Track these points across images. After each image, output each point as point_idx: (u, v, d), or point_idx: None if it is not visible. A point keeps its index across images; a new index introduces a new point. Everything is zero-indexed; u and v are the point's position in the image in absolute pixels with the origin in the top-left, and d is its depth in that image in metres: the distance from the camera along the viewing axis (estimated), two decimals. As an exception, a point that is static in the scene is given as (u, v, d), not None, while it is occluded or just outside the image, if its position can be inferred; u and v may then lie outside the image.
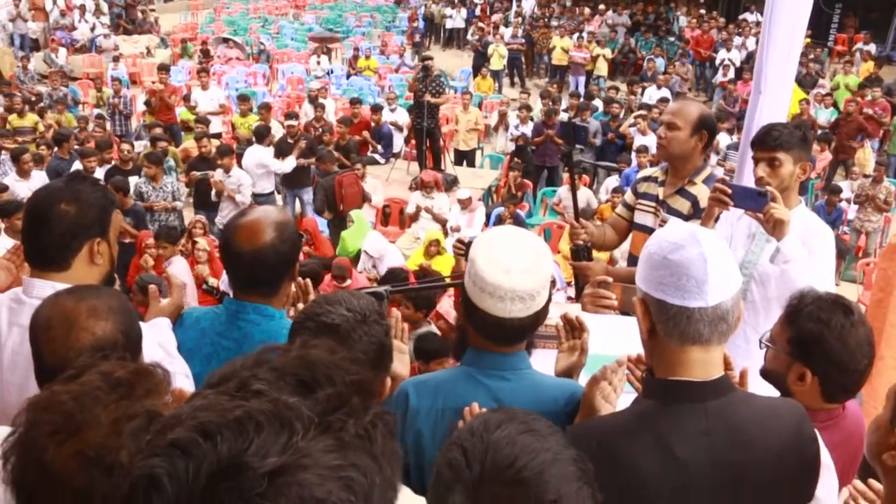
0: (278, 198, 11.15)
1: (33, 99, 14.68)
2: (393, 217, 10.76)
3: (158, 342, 2.20)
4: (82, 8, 23.76)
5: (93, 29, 22.64)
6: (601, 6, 24.18)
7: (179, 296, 2.44)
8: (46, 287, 2.02)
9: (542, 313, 1.96)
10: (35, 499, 1.22)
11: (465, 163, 13.24)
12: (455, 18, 25.53)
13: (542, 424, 1.35)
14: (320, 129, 11.94)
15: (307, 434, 0.77)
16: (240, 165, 9.96)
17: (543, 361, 2.44)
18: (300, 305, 2.50)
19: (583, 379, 2.39)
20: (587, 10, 24.40)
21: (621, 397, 2.01)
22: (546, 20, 23.27)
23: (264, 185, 10.28)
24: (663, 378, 1.70)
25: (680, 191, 3.70)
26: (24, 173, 9.35)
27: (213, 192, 9.59)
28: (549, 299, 1.98)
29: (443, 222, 9.83)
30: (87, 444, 1.19)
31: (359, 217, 9.11)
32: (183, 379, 2.16)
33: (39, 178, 9.50)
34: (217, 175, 9.57)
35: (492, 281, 1.86)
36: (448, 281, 3.93)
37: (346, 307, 1.71)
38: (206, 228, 8.55)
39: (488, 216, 10.21)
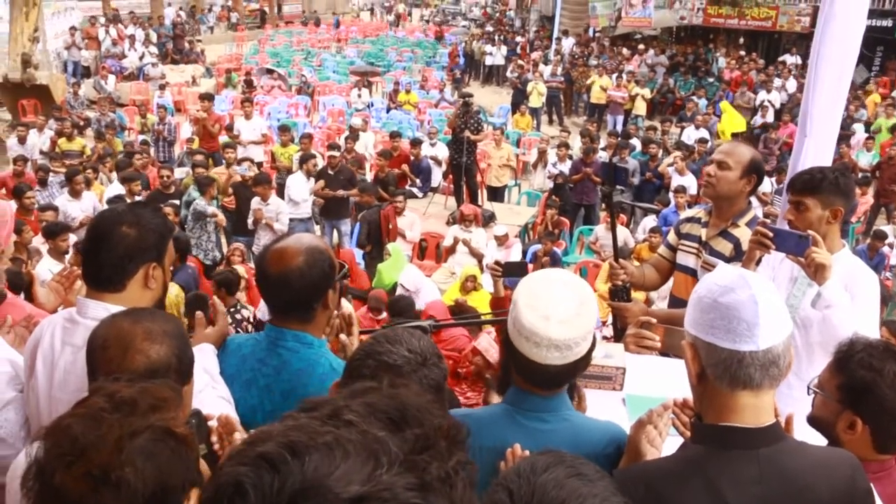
0: (316, 228, 11.27)
1: (82, 124, 15.03)
2: (429, 251, 10.78)
3: (204, 367, 2.24)
4: (133, 38, 24.43)
5: (142, 58, 23.23)
6: (641, 46, 24.30)
7: (224, 323, 2.47)
8: (100, 308, 2.07)
9: (583, 362, 1.94)
10: None
11: (495, 199, 13.26)
12: (495, 55, 25.79)
13: (590, 469, 1.35)
14: (349, 160, 12.05)
15: (391, 469, 0.79)
16: (279, 194, 10.10)
17: (590, 401, 2.44)
18: (343, 336, 2.51)
19: (626, 422, 2.38)
20: (626, 50, 24.49)
21: (666, 441, 2.00)
22: (585, 59, 23.41)
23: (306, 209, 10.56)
24: (713, 423, 1.69)
25: (723, 233, 3.68)
26: (75, 194, 9.61)
27: (251, 220, 9.72)
28: (593, 346, 1.98)
29: (479, 257, 9.83)
30: (92, 465, 1.22)
31: (395, 250, 9.15)
32: (225, 404, 2.19)
33: (90, 199, 9.73)
34: (254, 203, 9.71)
35: (529, 326, 1.86)
36: (490, 318, 3.92)
37: (408, 348, 1.71)
38: (244, 256, 8.65)
39: (524, 253, 10.20)
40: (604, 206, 12.04)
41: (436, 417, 0.88)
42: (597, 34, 27.19)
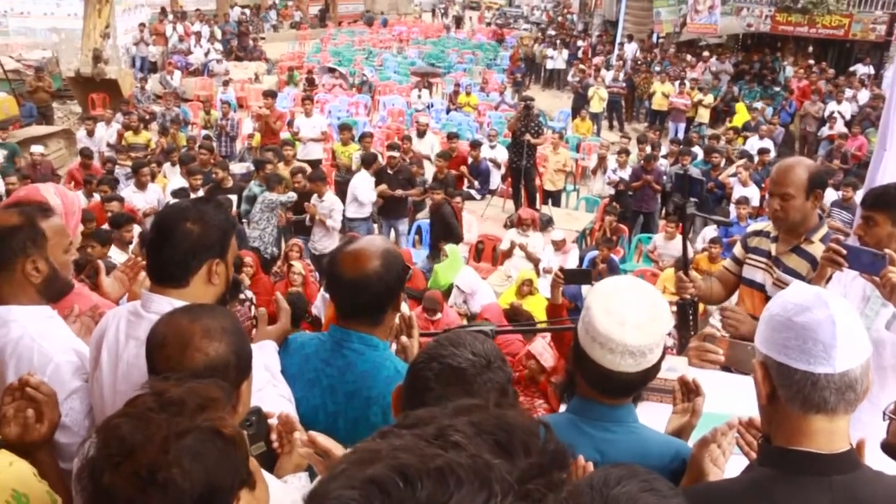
0: (374, 227, 11.34)
1: (147, 118, 15.36)
2: (486, 253, 10.76)
3: (265, 364, 2.24)
4: (198, 35, 24.90)
5: (207, 54, 23.64)
6: (705, 53, 23.89)
7: (287, 320, 2.48)
8: (164, 303, 2.08)
9: (653, 370, 1.91)
10: None
11: (549, 203, 13.17)
12: (556, 59, 25.63)
13: (664, 484, 1.31)
14: (407, 161, 12.08)
15: (505, 499, 0.75)
16: (336, 192, 10.18)
17: (652, 414, 2.39)
18: (404, 339, 2.51)
19: (691, 439, 2.33)
20: (690, 57, 24.12)
21: (729, 460, 1.95)
22: (648, 65, 23.12)
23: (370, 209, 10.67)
24: (783, 447, 1.63)
25: (796, 249, 3.56)
26: (141, 185, 9.84)
27: (307, 217, 9.81)
28: (663, 356, 1.94)
29: (536, 262, 9.77)
30: (139, 465, 1.22)
31: (453, 251, 9.14)
32: (286, 402, 2.19)
33: (155, 191, 9.95)
34: (312, 200, 9.81)
35: (603, 331, 1.83)
36: (550, 325, 3.86)
37: (472, 351, 1.68)
38: (301, 252, 8.73)
39: (582, 259, 10.11)
40: (677, 217, 11.88)
41: (546, 442, 0.84)
42: (661, 40, 26.82)
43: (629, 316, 1.84)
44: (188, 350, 1.67)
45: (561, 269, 4.06)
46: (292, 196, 9.61)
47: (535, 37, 30.51)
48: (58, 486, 2.00)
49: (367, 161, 10.75)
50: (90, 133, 14.00)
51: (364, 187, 10.47)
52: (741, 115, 18.03)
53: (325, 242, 9.76)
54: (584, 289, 8.48)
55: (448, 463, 0.76)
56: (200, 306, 1.83)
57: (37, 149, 12.35)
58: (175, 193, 9.21)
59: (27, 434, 2.02)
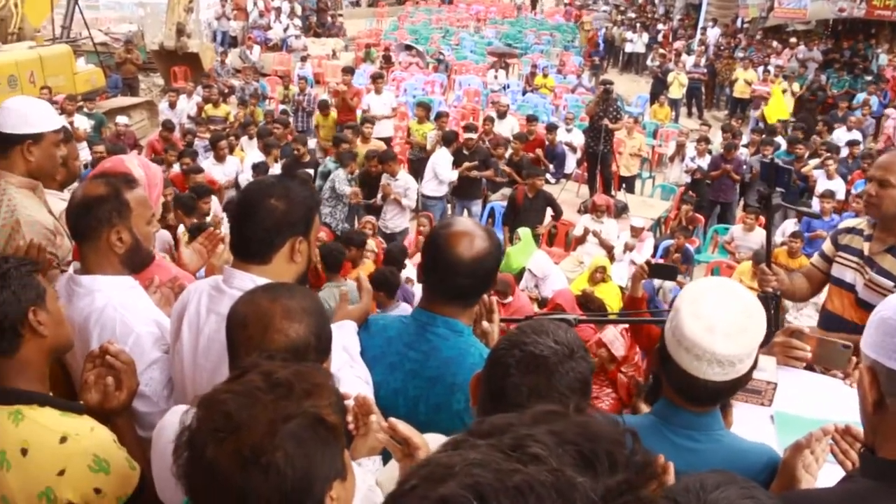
0: (448, 207, 11.31)
1: (227, 91, 15.61)
2: (559, 238, 10.63)
3: (343, 346, 2.22)
4: (278, 10, 25.19)
5: (286, 30, 23.92)
6: (792, 39, 23.10)
7: (369, 300, 2.45)
8: (246, 279, 2.07)
9: (743, 380, 1.82)
10: (199, 495, 1.24)
11: (623, 188, 12.94)
12: (636, 43, 25.14)
13: (762, 493, 1.25)
14: (486, 142, 11.98)
15: None
16: (409, 170, 10.17)
17: (739, 416, 2.30)
18: (485, 324, 2.46)
19: (774, 440, 2.23)
20: (776, 43, 23.36)
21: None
22: (731, 50, 22.49)
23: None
24: (888, 459, 1.53)
25: (892, 249, 3.37)
26: (220, 158, 10.00)
27: (379, 196, 9.82)
28: (755, 365, 1.84)
29: (609, 249, 9.62)
30: (244, 444, 1.19)
31: (526, 234, 9.05)
32: (363, 385, 2.16)
33: (233, 164, 10.10)
34: (383, 178, 9.82)
35: (691, 336, 1.75)
36: (630, 317, 3.76)
37: (555, 339, 1.62)
38: (375, 230, 8.76)
39: (656, 248, 9.92)
40: (741, 205, 11.56)
41: (633, 452, 0.78)
42: (745, 25, 26.06)
43: (720, 322, 1.76)
44: (269, 331, 1.65)
45: (647, 263, 3.96)
46: (355, 190, 9.64)
47: (615, 19, 29.96)
48: (135, 454, 2.02)
49: (448, 139, 10.71)
50: (172, 105, 14.31)
51: (444, 165, 10.44)
52: (777, 104, 17.24)
53: (397, 221, 9.78)
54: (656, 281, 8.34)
55: (527, 480, 0.71)
56: (281, 286, 1.81)
57: (121, 119, 12.69)
58: (255, 167, 9.32)
59: (107, 401, 2.05)
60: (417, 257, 8.76)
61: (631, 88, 21.91)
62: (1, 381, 1.93)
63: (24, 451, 1.85)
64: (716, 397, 1.85)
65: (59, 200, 3.19)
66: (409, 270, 8.06)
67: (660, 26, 27.37)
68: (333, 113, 13.04)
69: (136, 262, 2.38)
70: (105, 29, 20.38)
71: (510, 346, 1.64)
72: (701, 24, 25.65)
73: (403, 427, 1.57)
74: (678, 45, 23.62)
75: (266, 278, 2.04)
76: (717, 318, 1.75)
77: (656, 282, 8.72)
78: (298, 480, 1.20)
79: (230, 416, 1.21)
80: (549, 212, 10.43)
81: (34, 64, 13.80)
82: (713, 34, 24.69)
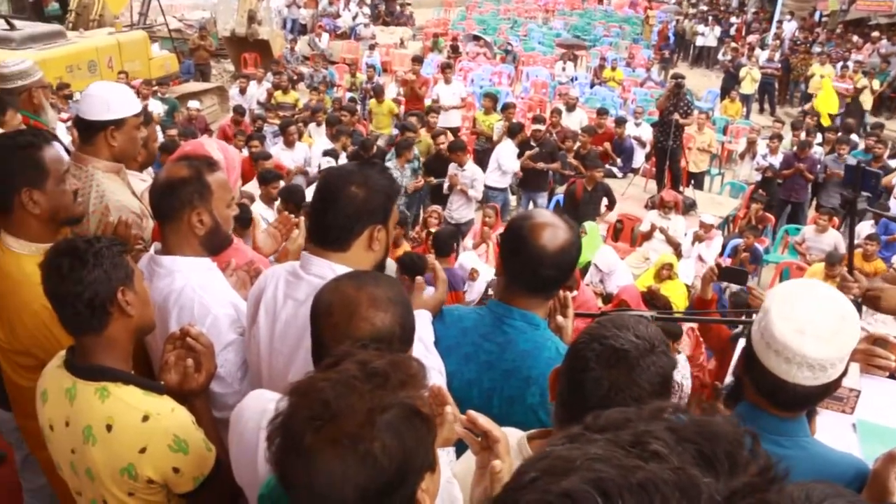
0: (512, 199, 11.26)
1: (296, 78, 15.79)
2: (624, 233, 10.50)
3: (418, 335, 2.21)
4: (348, -2, 25.40)
5: (355, 18, 24.10)
6: (874, 33, 22.32)
7: (444, 290, 2.44)
8: (324, 266, 2.08)
9: (834, 385, 1.76)
10: (293, 481, 1.24)
11: (691, 184, 12.72)
12: (707, 36, 24.65)
13: None
14: (553, 135, 11.88)
15: None
16: (475, 161, 10.14)
17: (819, 422, 2.23)
18: (559, 318, 2.43)
19: (856, 449, 2.16)
20: (856, 38, 22.61)
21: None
22: (808, 45, 21.86)
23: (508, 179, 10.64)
24: None
25: None
26: (289, 144, 10.11)
27: (446, 185, 9.82)
28: (846, 371, 1.77)
29: (676, 246, 9.46)
30: (342, 433, 1.19)
31: (592, 229, 8.95)
32: (437, 375, 2.15)
33: (301, 150, 10.21)
34: (451, 169, 9.81)
35: (781, 339, 1.70)
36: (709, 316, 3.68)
37: (635, 333, 1.59)
38: (440, 219, 8.76)
39: (724, 247, 9.72)
40: (813, 205, 11.22)
41: (754, 454, 0.74)
42: (824, 18, 25.28)
43: (811, 325, 1.70)
44: (354, 319, 1.64)
45: (717, 265, 3.89)
46: (415, 184, 9.63)
47: (686, 12, 29.41)
48: (211, 435, 2.05)
49: (514, 131, 10.66)
50: (242, 91, 14.54)
51: (509, 156, 10.41)
52: (827, 96, 16.63)
53: (463, 212, 9.77)
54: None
55: (650, 478, 0.68)
56: (366, 274, 1.81)
57: (193, 104, 12.94)
58: (326, 154, 9.39)
59: (186, 382, 2.09)
60: (482, 248, 8.79)
61: (701, 83, 21.46)
62: (88, 357, 1.98)
63: (108, 428, 1.90)
64: (804, 402, 1.80)
65: (139, 181, 3.27)
66: (473, 260, 8.05)
67: (733, 19, 26.81)
68: (388, 101, 13.01)
69: (216, 244, 2.41)
70: (179, 16, 20.81)
71: (590, 340, 1.61)
72: (777, 18, 24.97)
73: (483, 420, 1.55)
74: (752, 38, 23.10)
75: (344, 265, 2.05)
76: (809, 320, 1.70)
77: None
78: (394, 471, 1.19)
79: (328, 403, 1.21)
80: (604, 201, 10.33)
81: (113, 49, 14.16)
82: (789, 28, 24.04)
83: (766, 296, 1.79)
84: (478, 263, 8.00)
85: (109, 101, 2.99)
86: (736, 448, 0.73)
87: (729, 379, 2.20)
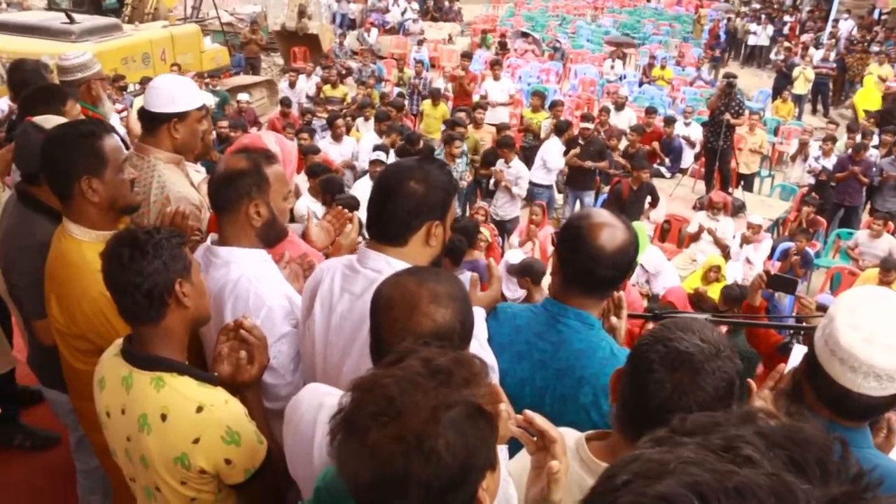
0: (559, 197, 11.20)
1: (344, 72, 15.88)
2: (672, 234, 10.38)
3: (474, 332, 2.20)
4: (397, -7, 25.49)
5: (403, 13, 24.19)
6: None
7: (499, 287, 2.42)
8: (381, 260, 2.07)
9: None
10: (356, 477, 1.23)
11: (741, 186, 12.51)
12: (760, 35, 24.25)
13: None
14: (602, 133, 11.76)
15: None
16: (522, 158, 10.11)
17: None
18: (613, 319, 2.41)
19: None
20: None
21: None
22: (866, 44, 21.35)
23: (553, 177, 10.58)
24: None
25: None
26: (337, 137, 10.15)
27: (492, 182, 9.79)
28: None
29: (724, 248, 9.33)
30: (407, 429, 1.18)
31: (639, 228, 8.84)
32: (491, 373, 2.15)
33: (349, 144, 10.25)
34: (498, 165, 9.77)
35: (847, 347, 1.66)
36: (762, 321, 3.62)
37: (700, 337, 1.56)
38: (487, 217, 8.74)
39: (773, 249, 9.55)
40: (869, 210, 10.96)
41: (846, 462, 0.73)
42: (883, 16, 24.66)
43: (880, 334, 1.66)
44: (415, 314, 1.63)
45: (766, 272, 3.82)
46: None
47: (738, 10, 28.95)
48: (262, 427, 2.06)
49: (561, 129, 10.60)
50: (292, 84, 14.66)
51: (554, 154, 10.35)
52: (868, 92, 16.14)
53: (508, 209, 9.75)
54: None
55: (746, 483, 0.67)
56: (427, 270, 1.80)
57: (243, 97, 13.08)
58: (377, 148, 9.41)
59: (238, 374, 2.10)
60: (528, 246, 8.76)
61: (752, 83, 21.13)
62: (144, 347, 2.00)
63: (163, 417, 1.92)
64: (868, 412, 1.75)
65: (194, 172, 3.31)
66: (519, 258, 8.01)
67: (786, 18, 26.32)
68: (444, 105, 12.92)
69: (271, 236, 2.43)
70: (231, 10, 21.04)
71: (654, 342, 1.58)
72: (833, 16, 24.47)
73: (540, 420, 1.53)
74: (806, 37, 22.65)
75: (401, 260, 2.04)
76: (877, 328, 1.66)
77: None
78: (457, 469, 1.18)
79: (393, 400, 1.20)
80: (647, 198, 10.22)
81: (166, 42, 14.36)
82: (846, 26, 23.50)
83: (832, 303, 1.75)
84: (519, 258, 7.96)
85: (174, 94, 3.03)
86: (826, 455, 0.72)
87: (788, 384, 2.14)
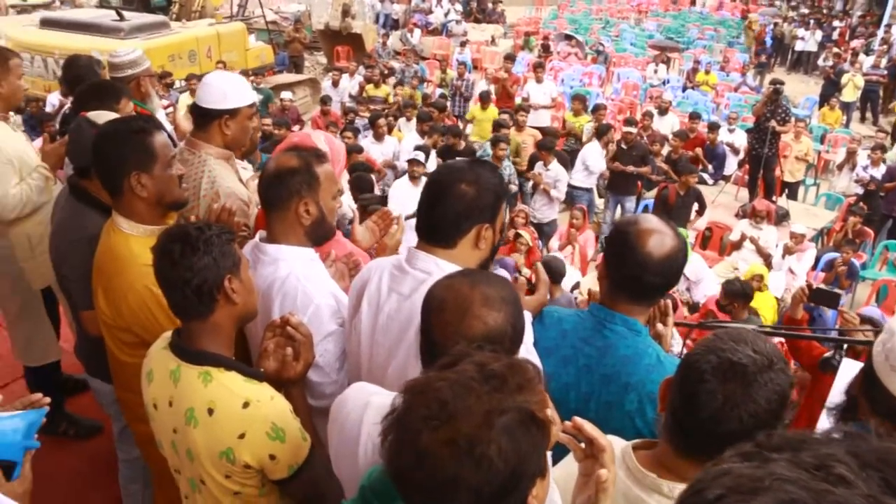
0: (599, 201, 11.13)
1: (387, 72, 15.94)
2: (713, 241, 10.26)
3: (523, 337, 2.20)
4: (441, -5, 25.56)
5: (447, 14, 24.24)
6: None
7: (546, 291, 2.41)
8: (430, 262, 2.07)
9: None
10: (406, 479, 1.23)
11: (785, 194, 12.31)
12: (808, 40, 23.86)
13: None
14: (644, 138, 11.66)
15: None
16: (560, 161, 10.07)
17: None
18: (660, 326, 2.38)
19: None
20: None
21: None
22: (920, 52, 20.91)
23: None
24: None
25: None
26: (378, 137, 10.19)
27: (529, 184, 9.76)
28: None
29: (767, 257, 9.20)
30: (459, 434, 1.17)
31: (682, 235, 8.77)
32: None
33: (391, 144, 10.28)
34: (536, 168, 9.74)
35: None
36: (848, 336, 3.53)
37: (753, 348, 1.54)
38: (527, 220, 8.71)
39: (818, 260, 9.39)
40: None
41: None
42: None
43: None
44: (467, 317, 1.62)
45: (808, 286, 3.76)
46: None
47: (785, 15, 28.51)
48: (306, 424, 2.07)
49: (601, 132, 10.54)
50: (335, 83, 14.76)
51: (595, 156, 10.31)
52: None
53: (545, 212, 9.70)
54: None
55: (839, 501, 0.66)
56: (479, 273, 1.79)
57: (286, 95, 13.19)
58: (417, 149, 9.44)
59: (284, 370, 2.11)
60: (567, 250, 8.72)
61: (799, 89, 20.80)
62: (193, 342, 2.02)
63: (210, 411, 1.94)
64: None
65: (240, 168, 3.35)
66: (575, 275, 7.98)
67: (836, 23, 25.86)
68: (493, 107, 12.83)
69: (320, 234, 2.45)
70: (276, 8, 21.25)
71: (706, 352, 1.56)
72: (885, 21, 23.94)
73: (590, 427, 1.52)
74: (856, 43, 22.24)
75: (450, 262, 2.04)
76: None
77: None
78: (508, 476, 1.17)
79: (446, 403, 1.20)
80: (694, 206, 10.10)
81: (212, 40, 14.55)
82: (899, 32, 23.04)
83: (890, 319, 1.71)
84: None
85: (227, 91, 3.06)
86: None
87: (840, 398, 2.11)
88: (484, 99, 12.71)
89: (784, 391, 1.54)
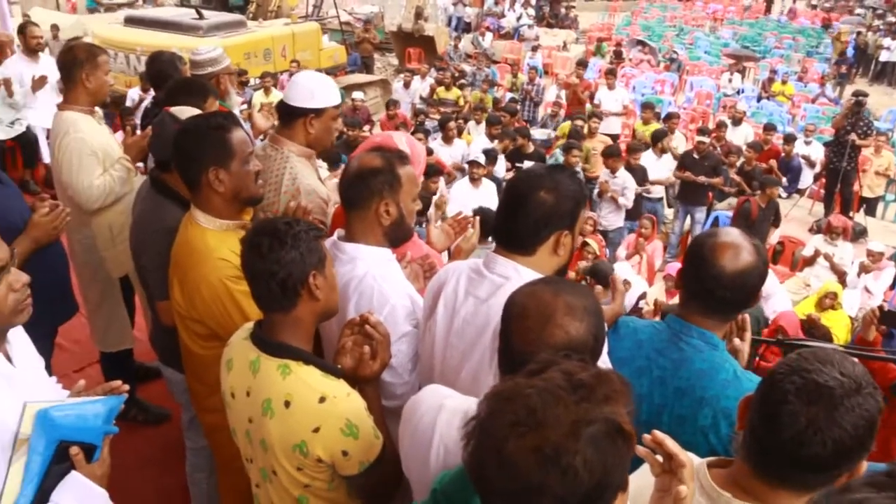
0: (669, 212, 10.95)
1: (458, 75, 15.99)
2: (785, 256, 10.00)
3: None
4: (513, -1, 25.55)
5: (519, 18, 24.25)
6: None
7: (621, 301, 2.39)
8: (509, 267, 2.07)
9: None
10: (488, 485, 1.22)
11: (863, 210, 11.93)
12: (893, 51, 23.09)
13: None
14: (717, 149, 11.43)
15: None
16: (628, 168, 9.96)
17: None
18: (736, 341, 2.33)
19: None
20: None
21: None
22: None
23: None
24: None
25: None
26: (447, 139, 10.22)
27: (596, 192, 9.66)
28: None
29: (841, 274, 8.94)
30: (546, 442, 1.16)
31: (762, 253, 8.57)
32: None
33: (460, 147, 10.31)
34: (602, 175, 9.64)
35: None
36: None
37: (840, 370, 1.48)
38: (595, 227, 8.63)
39: (896, 279, 9.10)
40: None
41: None
42: None
43: None
44: (549, 326, 1.62)
45: (880, 309, 3.65)
46: None
47: (870, 24, 27.63)
48: (379, 423, 2.09)
49: (657, 137, 10.39)
50: (406, 85, 14.87)
51: (649, 166, 10.12)
52: None
53: (612, 219, 9.58)
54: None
55: None
56: (563, 281, 1.79)
57: (357, 95, 13.32)
58: (486, 152, 9.44)
59: (360, 368, 2.14)
60: (635, 259, 8.60)
61: (881, 102, 20.14)
62: (274, 334, 2.06)
63: (287, 404, 1.97)
64: None
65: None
66: (626, 271, 7.90)
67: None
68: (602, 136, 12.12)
69: (398, 235, 2.47)
70: (349, 9, 21.50)
71: (790, 372, 1.51)
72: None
73: (671, 443, 1.50)
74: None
75: (529, 269, 2.04)
76: None
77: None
78: (593, 487, 1.17)
79: (534, 411, 1.19)
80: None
81: (287, 39, 14.79)
82: None
83: None
84: (630, 274, 7.84)
85: (314, 90, 3.11)
86: None
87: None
88: (592, 131, 11.57)
89: (872, 417, 1.48)
